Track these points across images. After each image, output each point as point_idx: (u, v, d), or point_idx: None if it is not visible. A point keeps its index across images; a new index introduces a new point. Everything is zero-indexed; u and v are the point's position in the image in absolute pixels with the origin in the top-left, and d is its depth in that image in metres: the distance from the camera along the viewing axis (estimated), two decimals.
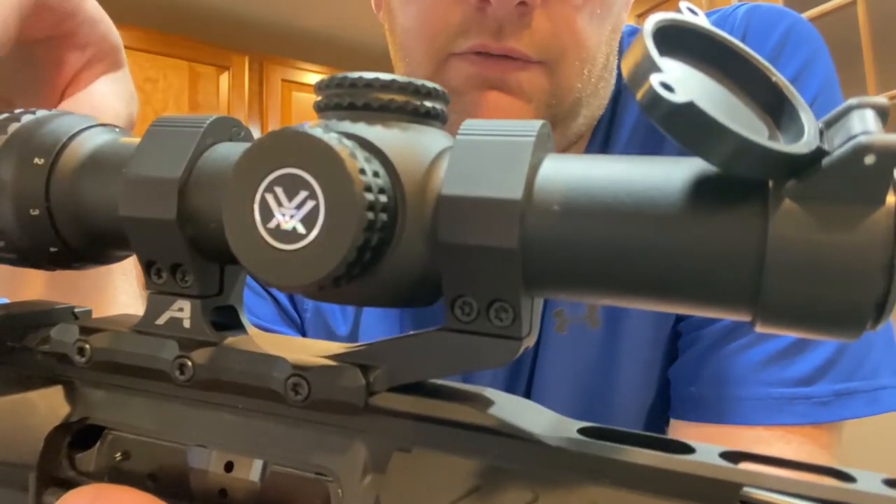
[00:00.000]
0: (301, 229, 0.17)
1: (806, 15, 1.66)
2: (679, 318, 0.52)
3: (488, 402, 0.19)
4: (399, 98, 0.19)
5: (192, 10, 2.63)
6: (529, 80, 0.46)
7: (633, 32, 0.56)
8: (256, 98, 2.71)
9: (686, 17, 0.16)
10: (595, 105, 0.52)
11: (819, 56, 0.52)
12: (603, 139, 0.55)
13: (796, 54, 0.52)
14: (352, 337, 0.57)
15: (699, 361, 0.49)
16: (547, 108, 0.48)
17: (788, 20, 0.53)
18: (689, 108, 0.14)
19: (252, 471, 0.21)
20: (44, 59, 0.34)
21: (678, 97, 0.14)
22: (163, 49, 2.46)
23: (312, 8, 2.64)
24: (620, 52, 0.53)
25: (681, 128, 0.14)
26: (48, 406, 0.22)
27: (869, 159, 0.13)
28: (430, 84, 0.19)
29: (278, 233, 0.17)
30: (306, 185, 0.17)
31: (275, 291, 0.58)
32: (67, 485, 0.22)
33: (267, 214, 0.17)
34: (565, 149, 0.53)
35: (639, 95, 0.14)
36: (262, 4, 2.61)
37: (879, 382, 0.47)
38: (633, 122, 0.54)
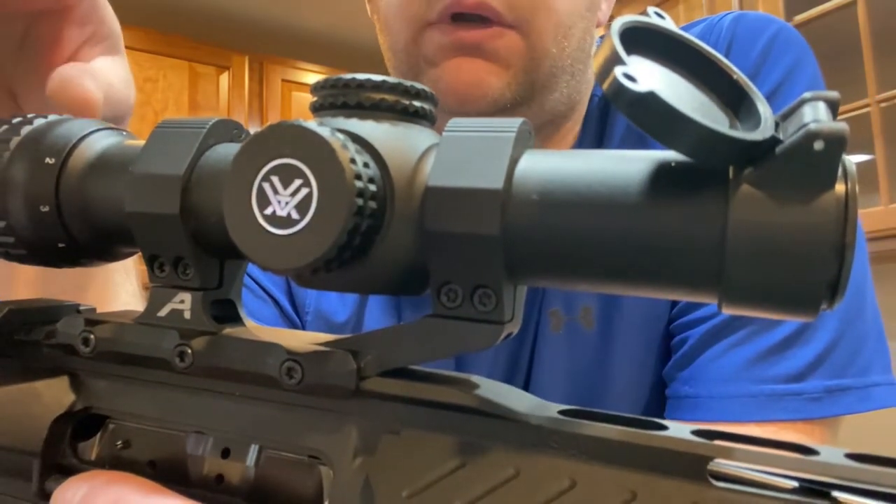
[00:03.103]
0: (295, 215, 0.18)
1: (806, 15, 1.66)
2: (671, 319, 0.52)
3: (474, 386, 0.20)
4: (389, 98, 0.20)
5: (192, 10, 2.63)
6: (507, 46, 0.47)
7: None
8: (256, 98, 2.71)
9: (653, 19, 0.17)
10: (573, 88, 0.52)
11: (804, 61, 0.53)
12: (595, 139, 0.56)
13: (781, 60, 0.52)
14: None
15: (690, 361, 0.49)
16: (525, 75, 0.48)
17: (773, 27, 0.53)
18: (651, 97, 0.15)
19: (247, 457, 0.22)
20: (43, 35, 0.34)
21: (640, 87, 0.15)
22: (163, 49, 2.46)
23: (312, 8, 2.64)
24: None
25: (643, 116, 0.15)
26: (52, 396, 0.23)
27: (818, 145, 0.15)
28: (418, 85, 0.20)
29: (274, 219, 0.18)
30: (301, 174, 0.18)
31: (276, 294, 0.58)
32: (70, 472, 0.22)
33: (264, 202, 0.18)
34: (545, 132, 0.53)
35: (605, 86, 0.15)
36: (262, 4, 2.62)
37: (871, 379, 0.47)
38: (627, 124, 0.55)
